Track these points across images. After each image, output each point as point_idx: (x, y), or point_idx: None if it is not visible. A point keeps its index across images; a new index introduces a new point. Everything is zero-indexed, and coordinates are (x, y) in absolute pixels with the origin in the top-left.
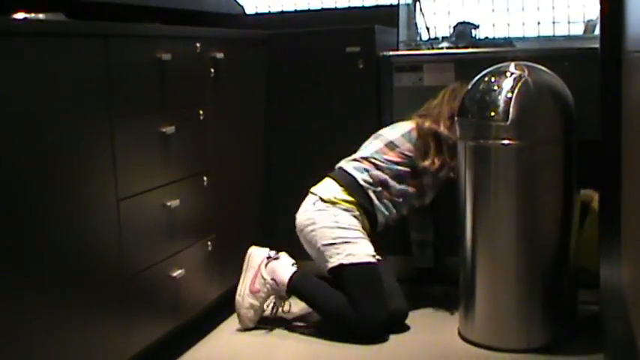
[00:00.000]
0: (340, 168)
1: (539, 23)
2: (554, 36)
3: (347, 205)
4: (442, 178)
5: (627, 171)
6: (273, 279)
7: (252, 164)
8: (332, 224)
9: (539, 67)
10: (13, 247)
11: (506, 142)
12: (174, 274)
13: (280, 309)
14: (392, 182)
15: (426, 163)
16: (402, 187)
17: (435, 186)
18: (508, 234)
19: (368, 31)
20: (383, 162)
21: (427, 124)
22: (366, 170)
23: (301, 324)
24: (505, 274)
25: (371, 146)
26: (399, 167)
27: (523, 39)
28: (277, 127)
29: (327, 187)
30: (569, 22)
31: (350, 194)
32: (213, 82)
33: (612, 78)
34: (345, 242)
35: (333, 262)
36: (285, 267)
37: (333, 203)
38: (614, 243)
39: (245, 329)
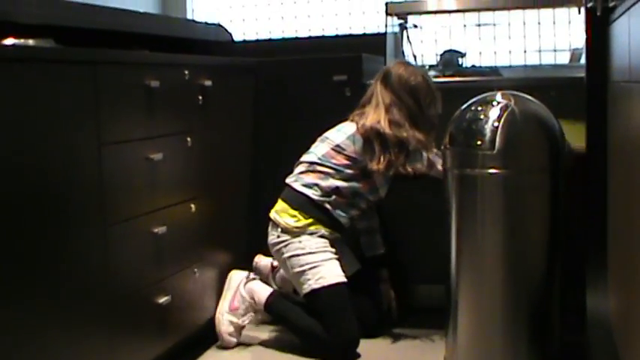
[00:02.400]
0: (290, 187)
1: (525, 52)
2: (540, 65)
3: (309, 229)
4: (392, 175)
5: (613, 199)
6: (252, 297)
7: (240, 191)
8: (299, 252)
9: (526, 96)
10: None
11: (492, 170)
12: (161, 300)
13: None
14: (343, 185)
15: (373, 164)
16: (354, 187)
17: (387, 181)
18: (494, 262)
19: (355, 60)
20: (331, 166)
21: (367, 123)
22: (315, 184)
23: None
24: (491, 303)
25: (317, 150)
26: (348, 170)
27: (510, 67)
28: (264, 154)
29: (285, 214)
30: (555, 51)
31: (307, 216)
32: (201, 110)
33: (598, 107)
34: (314, 267)
35: (306, 288)
36: (262, 287)
37: (296, 232)
38: (601, 273)
39: (226, 347)
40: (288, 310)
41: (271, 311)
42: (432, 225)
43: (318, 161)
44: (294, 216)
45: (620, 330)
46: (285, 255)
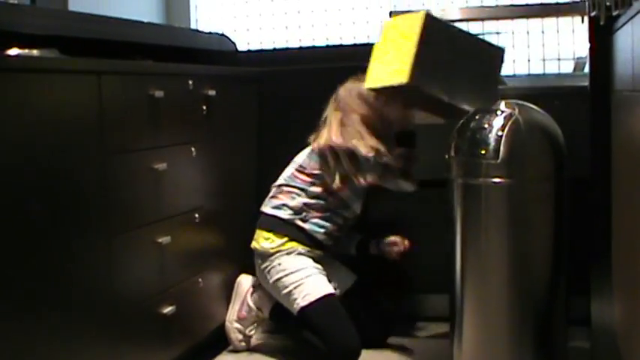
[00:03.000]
0: (262, 213)
1: (529, 61)
2: (544, 74)
3: (285, 247)
4: (360, 189)
5: (617, 208)
6: (258, 307)
7: (244, 201)
8: (281, 274)
9: (530, 105)
10: (2, 281)
11: (496, 180)
12: (165, 310)
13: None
14: (311, 202)
15: (330, 181)
16: (322, 203)
17: (358, 196)
18: (498, 272)
19: (359, 70)
20: (296, 186)
21: (321, 140)
22: (284, 204)
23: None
24: (496, 312)
25: (285, 173)
26: (313, 187)
27: (514, 76)
28: (268, 164)
29: (261, 239)
30: (559, 60)
31: (280, 235)
32: (205, 119)
33: (601, 116)
34: (298, 285)
35: (296, 307)
36: (270, 297)
37: (273, 254)
38: (605, 281)
39: (236, 351)
40: (292, 320)
41: (277, 320)
42: (435, 234)
43: (285, 182)
44: (268, 238)
45: (624, 338)
46: (271, 281)
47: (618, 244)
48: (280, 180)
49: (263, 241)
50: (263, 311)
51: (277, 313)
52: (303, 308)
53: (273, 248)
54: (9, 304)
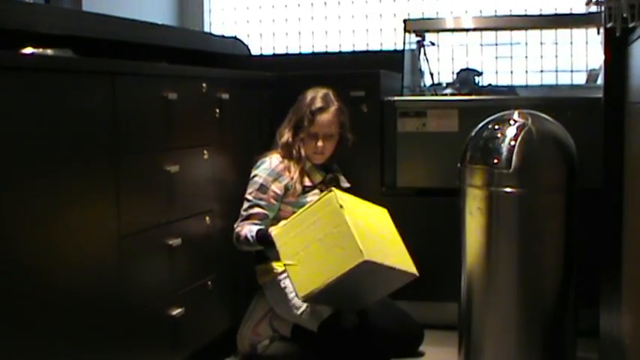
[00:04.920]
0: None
1: (542, 71)
2: (557, 85)
3: (281, 270)
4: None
5: (628, 220)
6: (275, 329)
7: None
8: (290, 296)
9: (543, 115)
10: (13, 282)
11: (508, 189)
12: (174, 312)
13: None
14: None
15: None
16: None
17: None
18: (508, 281)
19: (373, 76)
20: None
21: None
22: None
23: None
24: (504, 322)
25: None
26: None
27: (526, 87)
28: None
29: (259, 275)
30: (572, 71)
31: (262, 272)
32: (218, 123)
33: (615, 128)
34: (301, 310)
35: (315, 324)
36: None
37: (274, 280)
38: (614, 293)
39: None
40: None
41: (297, 339)
42: (445, 242)
43: None
44: (264, 269)
45: (633, 351)
46: (283, 305)
47: (629, 256)
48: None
49: (260, 274)
50: (279, 332)
51: (298, 334)
52: (323, 323)
53: (271, 275)
54: (15, 304)
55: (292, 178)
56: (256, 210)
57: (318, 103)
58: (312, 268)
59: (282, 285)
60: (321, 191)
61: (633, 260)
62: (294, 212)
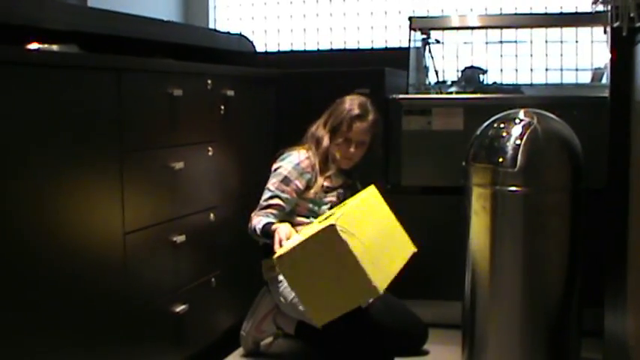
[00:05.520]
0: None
1: (547, 70)
2: (561, 83)
3: (276, 273)
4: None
5: (634, 220)
6: (279, 327)
7: (259, 202)
8: (290, 305)
9: (548, 114)
10: (17, 277)
11: (513, 188)
12: (178, 309)
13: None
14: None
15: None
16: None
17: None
18: (512, 280)
19: (378, 73)
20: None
21: None
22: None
23: None
24: (509, 321)
25: None
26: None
27: (531, 86)
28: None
29: (265, 270)
30: (577, 70)
31: (268, 267)
32: (222, 119)
33: (620, 127)
34: None
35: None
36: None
37: (279, 276)
38: (619, 293)
39: (247, 355)
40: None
41: (301, 337)
42: (449, 241)
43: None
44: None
45: (638, 351)
46: (287, 302)
47: (634, 256)
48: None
49: (266, 268)
50: (283, 329)
51: (302, 331)
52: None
53: (277, 271)
54: (20, 299)
55: (315, 177)
56: (276, 201)
57: (359, 110)
58: (327, 300)
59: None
60: (338, 196)
61: (638, 260)
62: (310, 209)
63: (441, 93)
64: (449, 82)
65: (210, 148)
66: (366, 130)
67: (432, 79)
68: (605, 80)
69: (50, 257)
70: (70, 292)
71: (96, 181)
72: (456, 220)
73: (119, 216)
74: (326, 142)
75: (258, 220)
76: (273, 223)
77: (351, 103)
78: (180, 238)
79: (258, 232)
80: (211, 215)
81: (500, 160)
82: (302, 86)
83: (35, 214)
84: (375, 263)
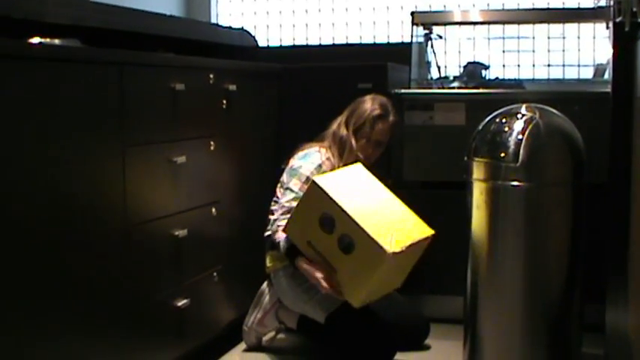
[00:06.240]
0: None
1: (549, 65)
2: (563, 79)
3: (282, 263)
4: None
5: (635, 214)
6: (281, 321)
7: (261, 196)
8: (298, 287)
9: (550, 109)
10: (19, 272)
11: (515, 183)
12: (180, 303)
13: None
14: None
15: None
16: None
17: None
18: (514, 275)
19: (380, 69)
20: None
21: None
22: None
23: None
24: (510, 316)
25: None
26: None
27: (533, 81)
28: (287, 160)
29: (268, 263)
30: (579, 66)
31: (273, 259)
32: (225, 114)
33: (623, 123)
34: (317, 293)
35: (323, 315)
36: (294, 314)
37: (283, 270)
38: (621, 288)
39: (249, 349)
40: (320, 330)
41: (304, 332)
42: (451, 235)
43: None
44: (272, 258)
45: (639, 345)
46: (290, 296)
47: (636, 251)
48: None
49: (270, 260)
50: (285, 324)
51: (304, 326)
52: (330, 314)
53: (280, 264)
54: (24, 292)
55: None
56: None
57: (381, 110)
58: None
59: (291, 274)
60: None
61: None
62: None
63: (443, 88)
64: (451, 78)
65: (212, 143)
66: (386, 131)
67: (434, 74)
68: (607, 76)
69: (52, 251)
70: (71, 286)
71: (98, 175)
72: (457, 215)
73: (121, 210)
74: (353, 143)
75: (285, 238)
76: (298, 253)
77: (373, 102)
78: (182, 233)
79: (282, 250)
80: (213, 209)
81: (502, 155)
82: (304, 81)
83: (37, 207)
84: (379, 227)
